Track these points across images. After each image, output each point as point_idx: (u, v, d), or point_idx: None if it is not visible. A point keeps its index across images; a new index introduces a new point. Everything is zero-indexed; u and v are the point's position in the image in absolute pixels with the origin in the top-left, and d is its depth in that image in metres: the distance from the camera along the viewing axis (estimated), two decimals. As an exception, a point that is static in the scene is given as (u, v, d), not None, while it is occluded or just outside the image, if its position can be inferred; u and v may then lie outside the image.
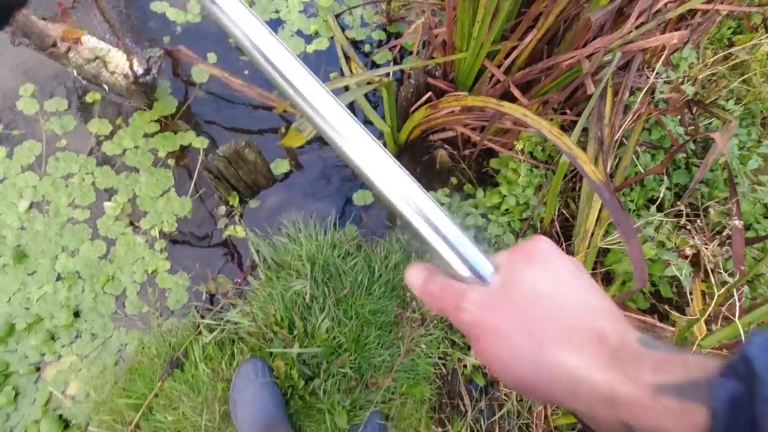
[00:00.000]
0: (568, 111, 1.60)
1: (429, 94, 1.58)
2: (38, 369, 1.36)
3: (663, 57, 1.22)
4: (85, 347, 1.39)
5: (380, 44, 1.91)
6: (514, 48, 1.37)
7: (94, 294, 1.44)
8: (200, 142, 1.63)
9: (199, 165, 1.60)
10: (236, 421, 1.17)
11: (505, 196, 1.59)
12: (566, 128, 1.67)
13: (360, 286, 1.38)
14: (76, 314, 1.42)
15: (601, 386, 0.25)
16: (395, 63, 1.87)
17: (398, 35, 1.91)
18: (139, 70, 1.47)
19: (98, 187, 1.56)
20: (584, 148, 1.28)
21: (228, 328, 1.33)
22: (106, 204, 1.54)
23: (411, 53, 1.79)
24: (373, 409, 1.24)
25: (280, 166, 1.64)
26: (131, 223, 1.53)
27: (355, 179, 1.68)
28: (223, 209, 1.58)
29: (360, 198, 1.65)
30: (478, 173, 1.74)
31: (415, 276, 0.34)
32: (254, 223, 1.56)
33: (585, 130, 1.38)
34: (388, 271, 1.44)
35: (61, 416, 1.31)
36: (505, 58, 1.41)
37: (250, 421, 1.13)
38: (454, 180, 1.72)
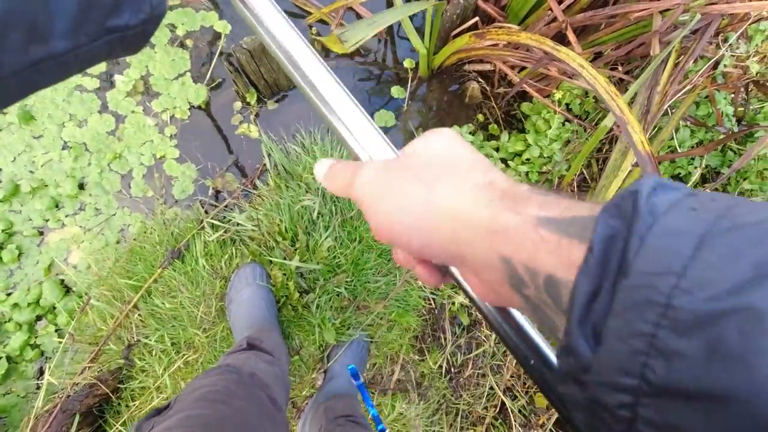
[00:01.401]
0: (619, 66, 1.48)
1: (476, 19, 1.44)
2: (41, 234, 1.39)
3: (744, 27, 1.09)
4: (89, 221, 1.40)
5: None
6: (582, -16, 1.22)
7: (100, 169, 1.42)
8: (223, 27, 1.51)
9: (218, 53, 1.50)
10: (230, 319, 1.22)
11: (529, 145, 1.53)
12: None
13: (367, 211, 1.36)
14: (81, 186, 1.41)
15: (483, 218, 0.24)
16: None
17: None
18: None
19: (110, 56, 1.47)
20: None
21: (231, 230, 1.33)
22: (118, 77, 1.46)
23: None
24: (361, 331, 1.29)
25: (304, 70, 1.54)
26: (148, 95, 1.47)
27: (380, 95, 1.60)
28: (238, 105, 1.50)
29: (381, 119, 1.58)
30: (506, 115, 1.66)
31: (319, 166, 0.34)
32: (269, 126, 1.50)
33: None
34: (398, 200, 1.41)
35: (62, 282, 1.36)
36: (569, -6, 1.26)
37: (243, 321, 1.18)
38: (480, 117, 1.64)
